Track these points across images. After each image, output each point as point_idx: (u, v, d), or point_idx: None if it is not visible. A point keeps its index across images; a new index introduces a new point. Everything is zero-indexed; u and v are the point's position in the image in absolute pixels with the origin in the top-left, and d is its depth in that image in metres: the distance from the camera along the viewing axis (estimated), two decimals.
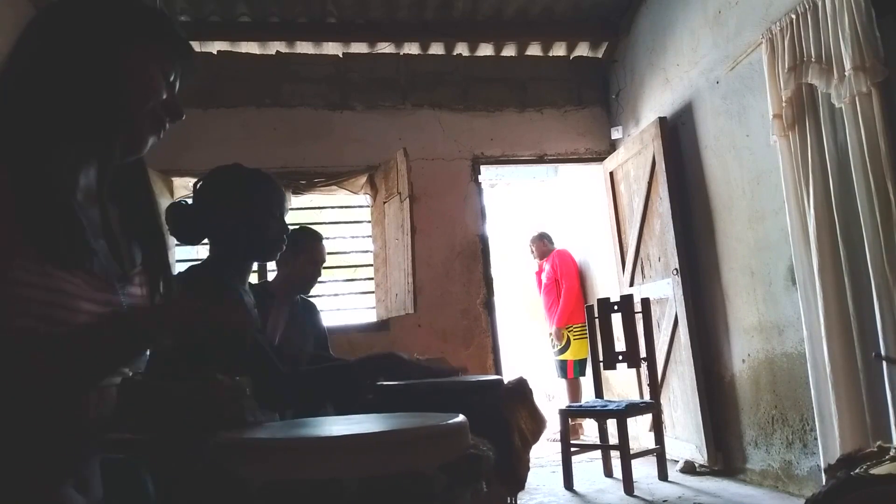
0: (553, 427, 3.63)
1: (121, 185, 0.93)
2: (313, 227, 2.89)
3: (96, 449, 0.84)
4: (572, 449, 3.59)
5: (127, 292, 0.86)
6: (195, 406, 0.83)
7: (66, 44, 0.82)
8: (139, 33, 0.86)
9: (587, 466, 3.94)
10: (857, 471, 1.33)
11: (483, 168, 4.62)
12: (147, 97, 0.86)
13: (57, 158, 0.80)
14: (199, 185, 1.57)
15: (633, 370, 4.12)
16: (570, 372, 5.29)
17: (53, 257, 0.74)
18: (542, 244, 5.65)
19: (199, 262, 1.61)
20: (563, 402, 5.21)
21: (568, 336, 5.27)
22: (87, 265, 0.79)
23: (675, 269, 3.77)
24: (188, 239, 1.54)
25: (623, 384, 4.61)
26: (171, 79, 0.90)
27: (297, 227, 2.58)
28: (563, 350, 5.31)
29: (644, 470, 3.64)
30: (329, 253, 2.72)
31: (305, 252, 2.50)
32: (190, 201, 1.57)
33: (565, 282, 5.31)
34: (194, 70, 0.94)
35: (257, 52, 4.42)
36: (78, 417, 0.79)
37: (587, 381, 5.07)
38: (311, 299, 2.73)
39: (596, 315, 3.89)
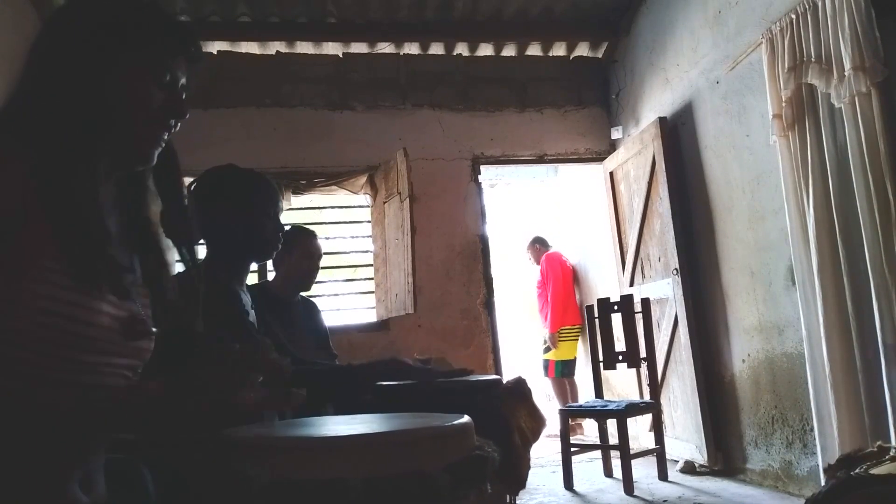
0: (553, 426, 3.64)
1: (129, 193, 0.93)
2: (312, 226, 2.89)
3: (100, 447, 0.84)
4: (572, 449, 3.59)
5: (140, 302, 0.87)
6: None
7: (59, 60, 0.82)
8: (129, 44, 0.84)
9: (587, 466, 3.94)
10: (857, 471, 1.34)
11: (483, 168, 4.62)
12: (138, 110, 0.85)
13: (80, 171, 0.81)
14: (192, 187, 1.57)
15: (633, 370, 4.12)
16: (552, 371, 5.37)
17: (82, 273, 0.75)
18: (535, 249, 5.69)
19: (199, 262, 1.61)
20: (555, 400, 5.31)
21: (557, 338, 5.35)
22: (113, 279, 0.80)
23: (675, 269, 3.77)
24: None
25: (623, 384, 4.61)
26: (169, 78, 0.88)
27: (288, 226, 2.59)
28: (547, 349, 5.39)
29: (644, 470, 3.64)
30: (329, 253, 2.73)
31: (299, 247, 2.51)
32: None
33: (551, 285, 5.36)
34: (200, 58, 0.93)
35: (257, 52, 4.42)
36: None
37: (585, 381, 5.08)
38: (311, 299, 2.73)
39: (596, 315, 3.89)
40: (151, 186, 0.94)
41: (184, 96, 0.91)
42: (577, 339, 5.34)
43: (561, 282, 5.34)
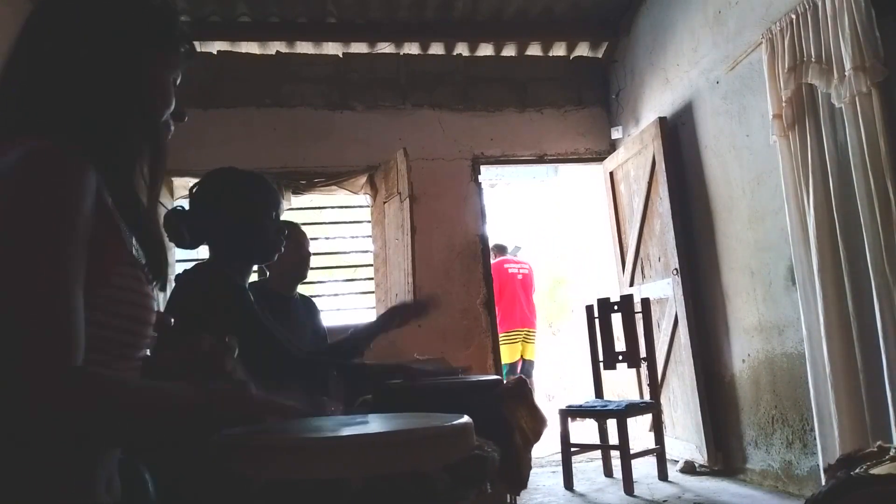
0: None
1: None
2: (312, 226, 2.89)
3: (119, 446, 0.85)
4: (572, 449, 3.59)
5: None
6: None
7: (83, 47, 0.80)
8: (156, 39, 0.85)
9: (587, 466, 3.94)
10: (857, 471, 1.34)
11: (483, 168, 4.62)
12: (166, 105, 0.87)
13: (131, 171, 0.84)
14: (194, 190, 1.58)
15: (633, 370, 4.12)
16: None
17: (156, 269, 0.82)
18: (493, 256, 5.64)
19: (204, 261, 1.62)
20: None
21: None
22: (161, 276, 0.85)
23: (675, 269, 3.77)
24: (188, 244, 1.54)
25: (623, 384, 4.61)
26: (178, 82, 0.90)
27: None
28: None
29: (644, 470, 3.64)
30: (329, 253, 2.72)
31: (286, 239, 2.51)
32: (186, 206, 1.57)
33: None
34: (192, 59, 0.94)
35: (257, 52, 4.42)
36: None
37: (585, 381, 5.09)
38: (311, 298, 2.73)
39: (596, 315, 3.89)
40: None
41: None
42: (516, 343, 5.44)
43: (497, 290, 5.32)
